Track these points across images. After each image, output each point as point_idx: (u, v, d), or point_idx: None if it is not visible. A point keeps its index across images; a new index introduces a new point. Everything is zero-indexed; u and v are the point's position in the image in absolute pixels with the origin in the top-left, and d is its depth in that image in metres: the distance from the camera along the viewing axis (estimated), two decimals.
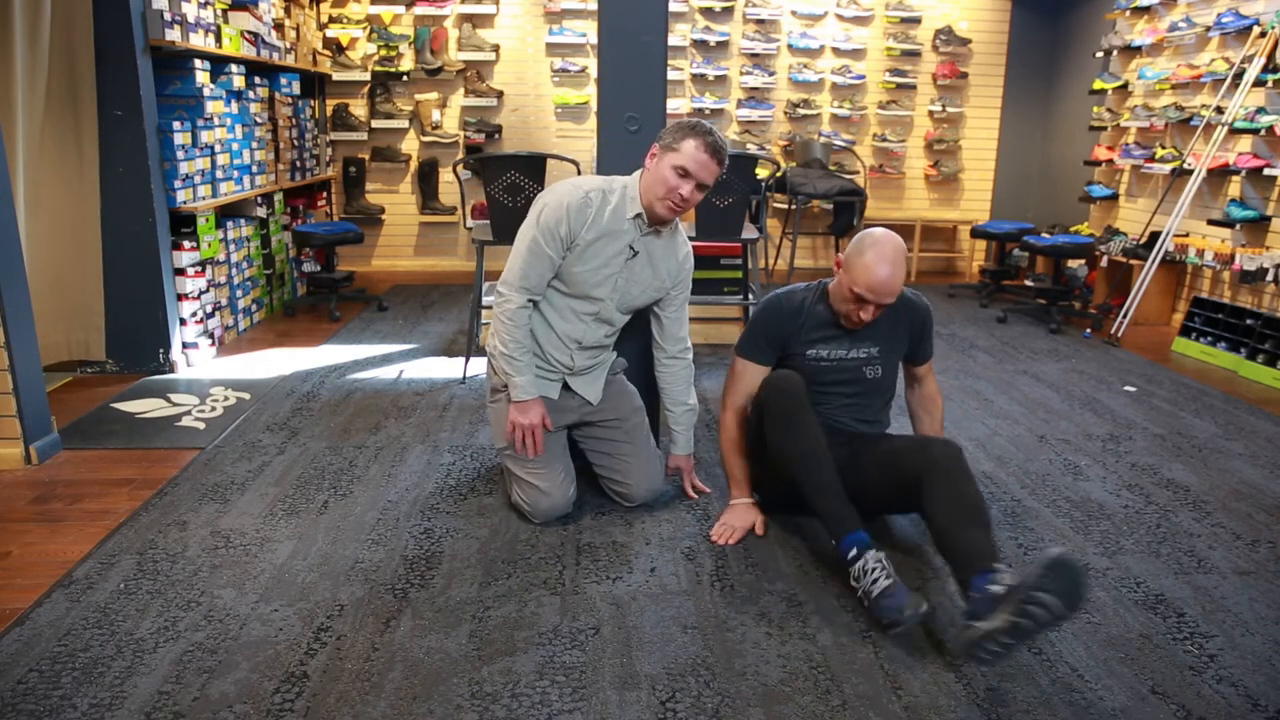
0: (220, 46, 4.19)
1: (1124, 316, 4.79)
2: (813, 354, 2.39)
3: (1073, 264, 5.53)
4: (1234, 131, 4.61)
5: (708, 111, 6.43)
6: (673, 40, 6.08)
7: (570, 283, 2.44)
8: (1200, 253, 4.75)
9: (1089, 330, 4.92)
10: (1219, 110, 4.68)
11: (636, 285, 2.47)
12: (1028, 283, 5.66)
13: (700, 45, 6.37)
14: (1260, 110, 4.47)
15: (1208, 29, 4.93)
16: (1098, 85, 5.85)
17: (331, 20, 6.13)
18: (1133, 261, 5.09)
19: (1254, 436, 3.33)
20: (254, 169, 4.70)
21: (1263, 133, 4.44)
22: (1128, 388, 3.93)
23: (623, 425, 2.61)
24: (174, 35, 3.71)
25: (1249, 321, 4.26)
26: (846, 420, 2.43)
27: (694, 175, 2.29)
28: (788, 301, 2.43)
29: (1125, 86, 5.69)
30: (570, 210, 2.35)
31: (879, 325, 2.36)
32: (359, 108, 6.30)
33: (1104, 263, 5.39)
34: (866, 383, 2.42)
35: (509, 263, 2.45)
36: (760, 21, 6.38)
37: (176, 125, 3.80)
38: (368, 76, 6.18)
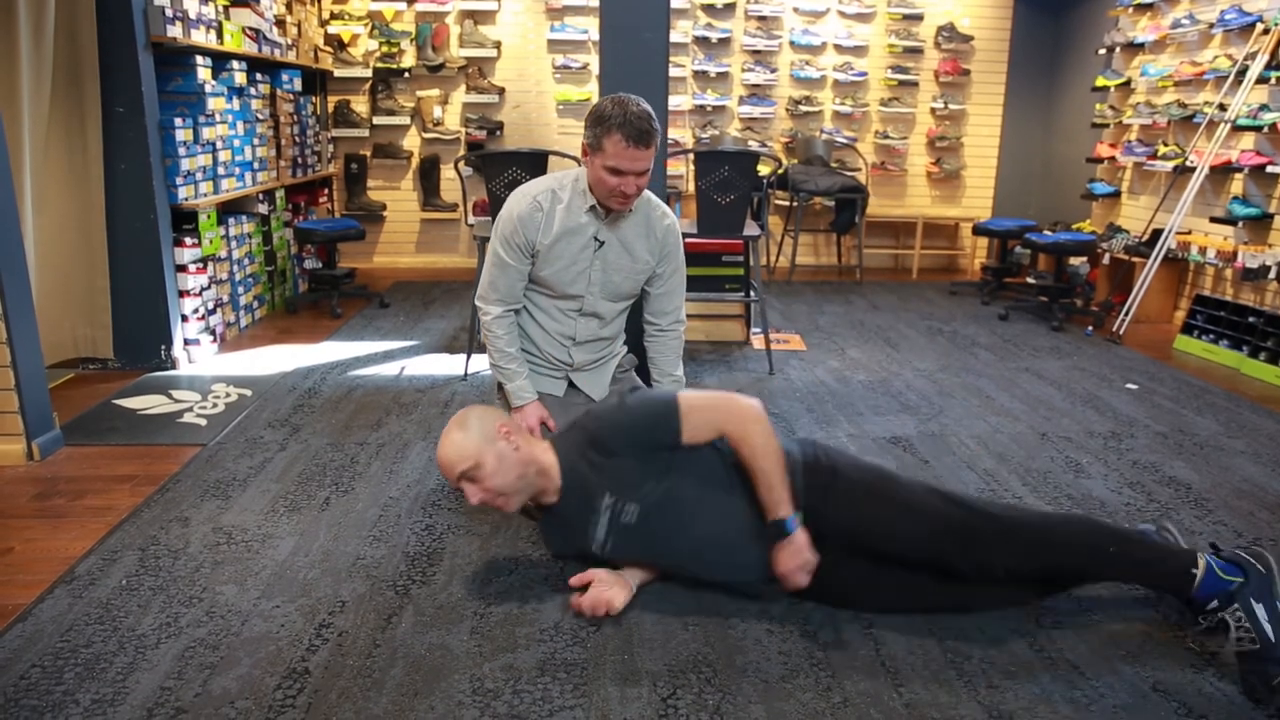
0: (221, 43, 4.19)
1: (1126, 314, 4.78)
2: (596, 548, 2.02)
3: (1075, 261, 5.52)
4: (1236, 129, 4.60)
5: (709, 109, 6.43)
6: (674, 37, 6.06)
7: (545, 285, 2.43)
8: (1202, 250, 4.74)
9: (1091, 328, 4.91)
10: (1222, 107, 4.67)
11: (617, 273, 2.44)
12: (1029, 280, 5.65)
13: (702, 42, 6.36)
14: (1263, 107, 4.46)
15: (1210, 26, 4.92)
16: (1100, 82, 5.84)
17: (333, 17, 6.12)
18: (1135, 259, 5.08)
19: (1256, 434, 3.33)
20: (255, 165, 4.70)
21: (1265, 130, 4.43)
22: (1129, 385, 3.93)
23: None
24: (175, 32, 3.71)
25: (1251, 319, 4.25)
26: (712, 562, 1.99)
27: (628, 171, 2.21)
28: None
29: (1128, 83, 5.68)
30: (521, 219, 2.34)
31: (588, 463, 1.96)
32: (360, 104, 6.29)
33: (1106, 260, 5.39)
34: (644, 517, 1.94)
35: (481, 275, 2.45)
36: (762, 18, 6.37)
37: (178, 122, 3.80)
38: (369, 73, 6.17)
